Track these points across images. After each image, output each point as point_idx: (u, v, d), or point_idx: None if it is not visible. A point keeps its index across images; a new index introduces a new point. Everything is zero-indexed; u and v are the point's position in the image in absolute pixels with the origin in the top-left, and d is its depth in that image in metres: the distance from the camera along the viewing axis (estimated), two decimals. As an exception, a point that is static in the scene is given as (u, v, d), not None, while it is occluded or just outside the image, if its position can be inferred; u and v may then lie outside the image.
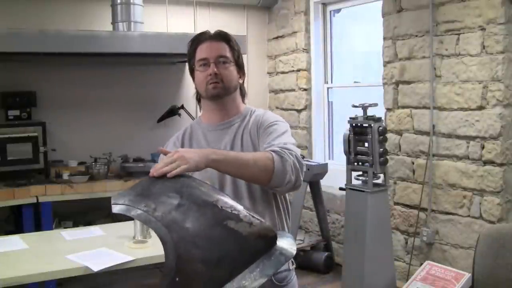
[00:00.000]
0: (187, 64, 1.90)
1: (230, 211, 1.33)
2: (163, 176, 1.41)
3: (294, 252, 1.39)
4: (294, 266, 1.88)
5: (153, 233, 2.88)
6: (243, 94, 1.88)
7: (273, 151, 1.60)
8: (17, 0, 4.36)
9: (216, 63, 1.76)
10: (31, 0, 4.41)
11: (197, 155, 1.47)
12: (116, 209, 1.36)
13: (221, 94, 1.78)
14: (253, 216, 1.35)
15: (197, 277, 1.26)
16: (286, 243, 1.39)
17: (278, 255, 1.34)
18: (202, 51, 1.79)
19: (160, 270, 4.28)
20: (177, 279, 1.24)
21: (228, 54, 1.79)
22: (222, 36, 1.82)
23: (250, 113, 1.85)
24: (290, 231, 1.80)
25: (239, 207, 1.37)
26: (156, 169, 1.41)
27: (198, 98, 1.89)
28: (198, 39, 1.83)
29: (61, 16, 4.48)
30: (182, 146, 1.83)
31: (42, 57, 4.02)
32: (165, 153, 1.51)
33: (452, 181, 3.61)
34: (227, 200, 1.38)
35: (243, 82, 1.88)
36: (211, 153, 1.52)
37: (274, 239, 1.36)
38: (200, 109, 1.92)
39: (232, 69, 1.80)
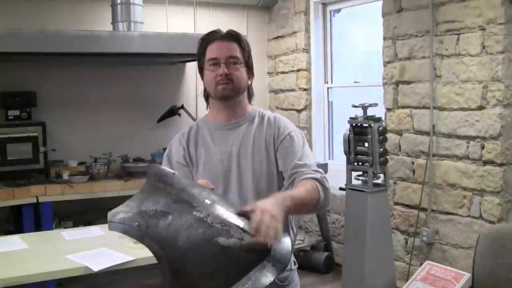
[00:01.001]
0: (196, 62, 1.87)
1: (220, 227, 1.35)
2: (155, 189, 1.44)
3: (288, 263, 1.42)
4: (296, 266, 1.89)
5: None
6: (250, 95, 1.88)
7: (316, 180, 1.65)
8: (17, 0, 4.36)
9: (226, 63, 1.75)
10: (31, 0, 4.41)
11: (278, 207, 1.42)
12: (112, 227, 1.42)
13: (231, 95, 1.78)
14: (244, 231, 1.35)
15: None
16: (282, 251, 1.40)
17: (271, 267, 1.36)
18: (213, 51, 1.77)
19: (160, 270, 4.29)
20: None
21: (239, 54, 1.78)
22: (233, 36, 1.80)
23: (258, 115, 1.85)
24: (296, 230, 1.81)
25: (230, 220, 1.37)
26: (261, 234, 1.33)
27: (206, 97, 1.88)
28: (209, 38, 1.81)
29: (61, 16, 4.48)
30: (188, 144, 1.83)
31: (42, 57, 4.02)
32: (243, 212, 1.41)
33: (452, 181, 3.61)
34: (219, 213, 1.38)
35: (251, 83, 1.87)
36: (285, 200, 1.48)
37: (266, 251, 1.36)
38: (207, 107, 1.91)
39: (242, 70, 1.79)
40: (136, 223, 1.39)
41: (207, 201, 1.42)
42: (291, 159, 1.74)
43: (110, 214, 1.46)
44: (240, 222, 1.37)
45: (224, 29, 1.84)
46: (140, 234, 1.38)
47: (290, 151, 1.76)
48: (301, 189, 1.60)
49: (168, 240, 1.35)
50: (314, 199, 1.61)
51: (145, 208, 1.42)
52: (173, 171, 1.50)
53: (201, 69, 1.83)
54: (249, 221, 1.36)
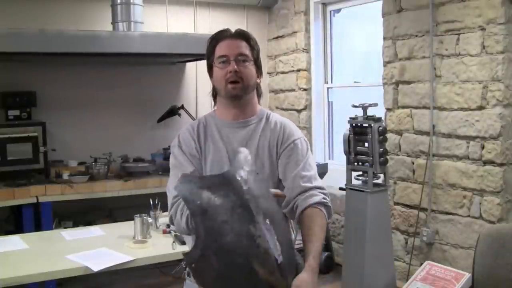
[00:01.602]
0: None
1: (262, 251, 1.41)
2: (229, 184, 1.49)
3: None
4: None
5: (153, 234, 2.89)
6: (259, 94, 1.88)
7: (320, 204, 1.72)
8: (17, 0, 4.36)
9: (236, 60, 1.75)
10: (31, 0, 4.41)
11: (315, 279, 1.63)
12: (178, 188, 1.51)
13: (240, 94, 1.78)
14: (279, 271, 1.43)
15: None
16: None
17: None
18: (222, 48, 1.78)
19: (160, 270, 4.29)
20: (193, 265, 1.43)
21: (248, 52, 1.79)
22: (242, 35, 1.81)
23: (266, 116, 1.85)
24: (296, 230, 1.82)
25: (272, 252, 1.42)
26: None
27: (214, 95, 1.87)
28: (218, 36, 1.81)
29: (61, 16, 4.48)
30: (198, 138, 1.82)
31: (42, 57, 4.02)
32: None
33: (452, 181, 3.61)
34: (268, 239, 1.43)
35: (260, 81, 1.87)
36: (315, 267, 1.65)
37: None
38: (214, 105, 1.90)
39: (252, 68, 1.80)
40: (199, 201, 1.45)
41: (267, 221, 1.46)
42: (292, 169, 1.77)
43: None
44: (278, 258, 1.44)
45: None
46: (198, 210, 1.45)
47: (292, 159, 1.78)
48: (317, 235, 1.66)
49: (215, 230, 1.42)
50: (325, 229, 1.74)
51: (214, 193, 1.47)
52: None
53: (210, 68, 1.83)
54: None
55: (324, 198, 1.75)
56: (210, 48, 1.82)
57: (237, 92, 1.76)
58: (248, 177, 1.50)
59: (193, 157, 1.80)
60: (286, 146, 1.79)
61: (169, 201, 1.78)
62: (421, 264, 3.64)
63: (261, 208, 1.47)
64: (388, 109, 4.09)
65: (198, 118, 1.95)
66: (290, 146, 1.79)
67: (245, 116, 1.83)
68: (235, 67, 1.74)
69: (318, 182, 1.79)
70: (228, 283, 1.42)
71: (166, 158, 4.71)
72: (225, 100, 1.81)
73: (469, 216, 3.51)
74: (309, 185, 1.75)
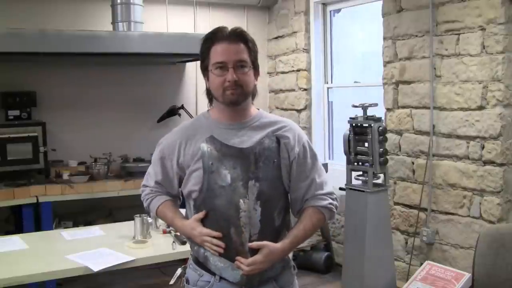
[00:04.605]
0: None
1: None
2: None
3: None
4: (296, 271, 1.91)
5: (153, 234, 2.89)
6: (253, 95, 1.82)
7: (326, 207, 1.81)
8: (17, 0, 4.36)
9: (234, 67, 1.69)
10: (31, 0, 4.41)
11: (278, 255, 1.76)
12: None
13: (239, 100, 1.74)
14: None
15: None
16: None
17: None
18: (219, 54, 1.70)
19: (160, 270, 4.29)
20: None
21: (246, 56, 1.72)
22: (239, 36, 1.72)
23: (263, 116, 1.83)
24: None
25: None
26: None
27: (210, 97, 1.81)
28: (214, 37, 1.73)
29: (61, 16, 4.48)
30: (179, 149, 1.82)
31: (42, 57, 4.01)
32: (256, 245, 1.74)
33: (452, 181, 3.61)
34: None
35: (257, 82, 1.82)
36: (286, 248, 1.78)
37: None
38: (210, 105, 1.85)
39: (250, 73, 1.74)
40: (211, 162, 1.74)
41: (258, 202, 1.74)
42: (303, 176, 1.80)
43: None
44: None
45: None
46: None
47: (302, 164, 1.80)
48: (305, 227, 1.80)
49: (214, 190, 1.74)
50: (317, 229, 1.88)
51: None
52: None
53: (204, 69, 1.77)
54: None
55: (330, 204, 1.80)
56: (205, 49, 1.74)
57: (236, 99, 1.72)
58: (262, 159, 1.73)
59: (167, 173, 1.87)
60: (296, 151, 1.78)
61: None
62: (421, 264, 3.64)
63: (259, 189, 1.72)
64: (388, 109, 4.09)
65: (191, 120, 1.94)
66: (300, 151, 1.80)
67: (241, 119, 1.79)
68: (234, 76, 1.69)
69: (329, 187, 1.84)
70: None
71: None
72: (222, 105, 1.77)
73: (469, 216, 3.51)
74: (320, 191, 1.81)
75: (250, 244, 1.71)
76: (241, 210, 1.71)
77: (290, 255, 1.88)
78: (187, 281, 1.85)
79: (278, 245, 1.73)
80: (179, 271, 2.21)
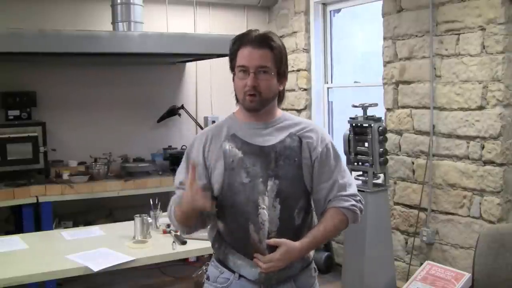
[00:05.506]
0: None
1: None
2: None
3: None
4: (317, 273, 1.93)
5: (153, 234, 2.89)
6: (281, 99, 1.84)
7: (348, 209, 1.80)
8: (17, 0, 4.36)
9: (255, 72, 1.71)
10: (31, 0, 4.41)
11: (296, 254, 1.76)
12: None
13: (258, 108, 1.76)
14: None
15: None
16: None
17: None
18: (243, 58, 1.73)
19: (160, 270, 4.29)
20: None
21: (270, 63, 1.73)
22: (266, 43, 1.73)
23: (287, 118, 1.84)
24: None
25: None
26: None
27: (237, 98, 1.83)
28: (242, 40, 1.75)
29: (61, 16, 4.48)
30: (204, 148, 1.82)
31: (42, 57, 4.01)
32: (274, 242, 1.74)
33: (452, 181, 3.61)
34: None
35: (284, 87, 1.83)
36: (305, 248, 1.77)
37: None
38: (237, 103, 1.85)
39: (272, 79, 1.75)
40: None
41: (278, 200, 1.76)
42: (326, 176, 1.80)
43: None
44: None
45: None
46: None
47: (325, 165, 1.80)
48: (326, 228, 1.79)
49: (234, 186, 1.75)
50: (339, 230, 1.86)
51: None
52: None
53: (232, 69, 1.80)
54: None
55: (353, 205, 1.80)
56: (233, 51, 1.77)
57: (254, 106, 1.75)
58: (282, 158, 1.75)
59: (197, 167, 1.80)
60: (319, 151, 1.80)
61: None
62: (421, 264, 3.64)
63: (278, 187, 1.73)
64: (388, 109, 4.09)
65: (217, 123, 1.92)
66: (323, 151, 1.80)
67: (265, 119, 1.81)
68: (253, 82, 1.71)
69: (353, 188, 1.84)
70: (230, 233, 1.78)
71: (166, 158, 4.71)
72: (244, 109, 1.80)
73: (469, 216, 3.51)
74: (343, 193, 1.80)
75: (267, 240, 1.71)
76: (259, 207, 1.73)
77: (311, 256, 1.89)
78: (208, 278, 1.87)
79: (297, 243, 1.73)
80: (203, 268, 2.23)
